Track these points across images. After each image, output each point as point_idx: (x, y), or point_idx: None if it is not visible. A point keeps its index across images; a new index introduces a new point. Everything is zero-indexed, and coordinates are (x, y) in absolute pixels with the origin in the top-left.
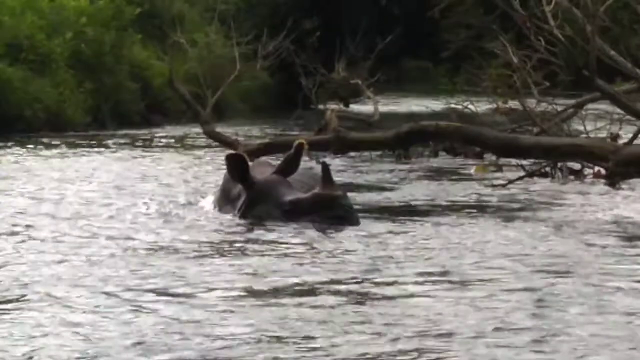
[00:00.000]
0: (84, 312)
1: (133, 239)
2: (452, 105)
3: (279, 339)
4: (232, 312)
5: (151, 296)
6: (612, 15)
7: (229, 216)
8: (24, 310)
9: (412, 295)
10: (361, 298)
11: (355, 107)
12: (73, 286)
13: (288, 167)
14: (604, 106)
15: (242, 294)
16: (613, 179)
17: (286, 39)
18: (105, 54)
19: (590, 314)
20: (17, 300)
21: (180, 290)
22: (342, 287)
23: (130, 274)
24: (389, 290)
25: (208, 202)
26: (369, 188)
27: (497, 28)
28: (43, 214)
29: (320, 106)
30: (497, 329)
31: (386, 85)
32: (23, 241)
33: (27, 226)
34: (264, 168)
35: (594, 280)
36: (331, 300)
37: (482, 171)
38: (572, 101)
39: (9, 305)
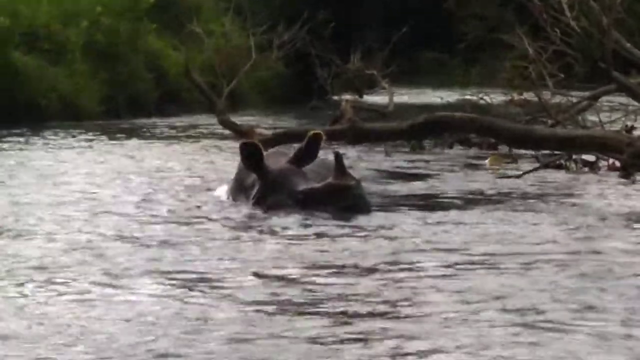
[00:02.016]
0: (92, 300)
1: (146, 227)
2: (467, 97)
3: (290, 328)
4: (245, 301)
5: (161, 285)
6: (628, 7)
7: (242, 205)
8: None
9: (426, 284)
10: (375, 287)
11: (369, 98)
12: (85, 274)
13: (302, 157)
14: (619, 98)
15: (255, 282)
16: (628, 171)
17: (302, 29)
18: (120, 44)
19: (610, 306)
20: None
21: (192, 277)
22: (354, 275)
23: (143, 262)
24: (405, 279)
25: (222, 191)
26: (383, 178)
27: (512, 20)
28: (57, 203)
29: (335, 97)
30: (521, 320)
31: (400, 77)
32: (37, 233)
33: (40, 217)
34: (278, 157)
35: (615, 271)
36: (344, 287)
37: (496, 162)
38: (586, 93)
39: (19, 291)
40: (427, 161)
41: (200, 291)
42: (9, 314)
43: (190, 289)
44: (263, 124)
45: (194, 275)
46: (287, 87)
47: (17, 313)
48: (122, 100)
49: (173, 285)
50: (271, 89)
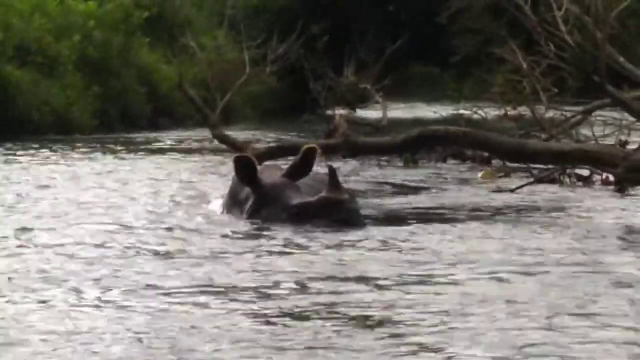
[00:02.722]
0: (90, 312)
1: (139, 241)
2: (460, 111)
3: (285, 340)
4: (241, 312)
5: (158, 297)
6: (621, 22)
7: (236, 218)
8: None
9: (417, 299)
10: (368, 301)
11: (362, 113)
12: (80, 287)
13: (296, 171)
14: (611, 113)
15: (250, 294)
16: (622, 185)
17: (295, 42)
18: (113, 57)
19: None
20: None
21: (187, 291)
22: (347, 288)
23: (136, 275)
24: (395, 294)
25: (216, 205)
26: (377, 192)
27: (505, 34)
28: (49, 217)
29: (328, 111)
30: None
31: (392, 91)
32: (29, 245)
33: (33, 230)
34: (272, 171)
35: (611, 283)
36: (336, 300)
37: (489, 177)
38: (579, 108)
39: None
40: (420, 175)
41: (194, 303)
42: (16, 327)
43: (181, 302)
44: (256, 137)
45: (186, 289)
46: (280, 101)
47: (23, 325)
48: (115, 114)
49: (168, 296)
50: (264, 103)
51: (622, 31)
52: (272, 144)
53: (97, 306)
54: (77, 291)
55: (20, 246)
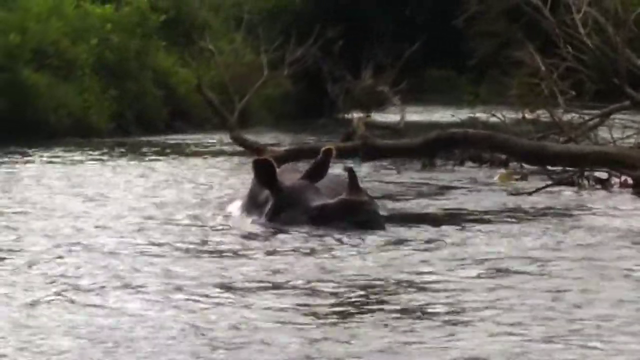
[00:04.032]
0: (111, 312)
1: (160, 243)
2: (477, 114)
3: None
4: (262, 314)
5: (179, 298)
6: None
7: (255, 221)
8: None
9: (437, 301)
10: (385, 303)
11: (378, 116)
12: (102, 288)
13: (316, 173)
14: (630, 116)
15: (270, 294)
16: None
17: (313, 46)
18: (129, 61)
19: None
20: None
21: (209, 292)
22: (367, 291)
23: (160, 276)
24: (415, 295)
25: (235, 207)
26: (396, 195)
27: (522, 37)
28: (70, 219)
29: (344, 115)
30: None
31: (409, 94)
32: (49, 249)
33: (51, 234)
34: (291, 174)
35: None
36: (355, 303)
37: (507, 179)
38: (597, 111)
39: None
40: (438, 178)
41: (217, 303)
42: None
43: (204, 302)
44: (273, 140)
45: (207, 289)
46: (295, 104)
47: (62, 329)
48: (132, 117)
49: (190, 296)
50: (279, 107)
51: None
52: (290, 147)
53: (109, 306)
54: (101, 289)
55: (48, 250)
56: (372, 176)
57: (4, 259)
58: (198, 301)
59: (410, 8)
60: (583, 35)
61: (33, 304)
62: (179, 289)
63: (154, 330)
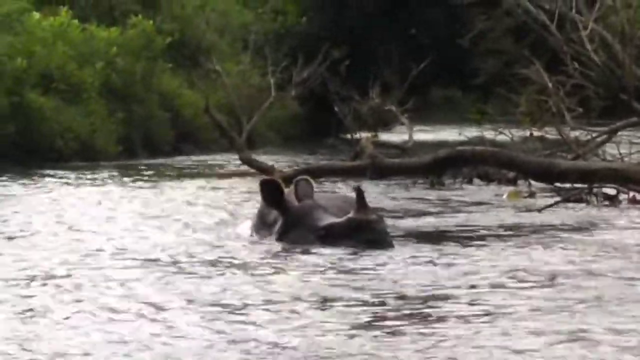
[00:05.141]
0: (123, 327)
1: (172, 264)
2: (485, 133)
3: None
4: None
5: (190, 317)
6: None
7: (264, 240)
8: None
9: (445, 318)
10: (394, 318)
11: (384, 136)
12: (113, 305)
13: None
14: (635, 132)
15: (281, 313)
16: None
17: (319, 67)
18: (135, 84)
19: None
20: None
21: (219, 309)
22: (376, 307)
23: (171, 297)
24: (422, 312)
25: (245, 228)
26: (404, 213)
27: (529, 55)
28: (79, 244)
29: (351, 135)
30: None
31: (415, 114)
32: (59, 274)
33: (62, 260)
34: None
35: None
36: (363, 320)
37: (515, 197)
38: (604, 128)
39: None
40: (446, 196)
41: (227, 321)
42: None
43: (215, 319)
44: (281, 161)
45: (217, 307)
46: (302, 125)
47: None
48: (138, 140)
49: (204, 314)
50: (286, 128)
51: None
52: (298, 167)
53: (120, 321)
54: (113, 307)
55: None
56: (380, 195)
57: (20, 279)
58: (211, 319)
59: (416, 27)
60: (590, 52)
61: (42, 323)
62: (189, 308)
63: (151, 340)
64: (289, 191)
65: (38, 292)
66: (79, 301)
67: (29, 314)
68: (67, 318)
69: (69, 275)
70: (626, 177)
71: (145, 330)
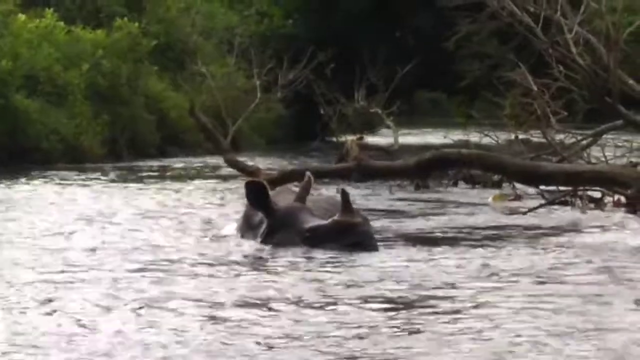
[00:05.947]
0: (113, 327)
1: (156, 265)
2: (470, 136)
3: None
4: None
5: (175, 318)
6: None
7: (250, 242)
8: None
9: (430, 319)
10: (379, 321)
11: (370, 139)
12: (102, 307)
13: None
14: (622, 135)
15: (264, 315)
16: (634, 207)
17: (304, 69)
18: (121, 86)
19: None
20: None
21: (205, 311)
22: (361, 307)
23: (159, 296)
24: (407, 315)
25: (230, 230)
26: (389, 216)
27: (514, 58)
28: (65, 246)
29: (336, 138)
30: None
31: (400, 117)
32: (44, 277)
33: (46, 260)
34: (286, 195)
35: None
36: (348, 321)
37: (500, 200)
38: (589, 131)
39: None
40: (431, 199)
41: (214, 321)
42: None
43: (199, 320)
44: (265, 163)
45: (202, 308)
46: (286, 128)
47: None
48: (124, 142)
49: (192, 315)
50: (271, 131)
51: (632, 53)
52: (284, 169)
53: (110, 321)
54: (102, 309)
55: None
56: (366, 197)
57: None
58: (194, 319)
59: (401, 30)
60: (575, 55)
61: (36, 322)
62: (173, 309)
63: (141, 340)
64: (274, 192)
65: (24, 294)
66: (60, 299)
67: (19, 316)
68: (51, 320)
69: (54, 276)
70: (611, 180)
71: (131, 328)
